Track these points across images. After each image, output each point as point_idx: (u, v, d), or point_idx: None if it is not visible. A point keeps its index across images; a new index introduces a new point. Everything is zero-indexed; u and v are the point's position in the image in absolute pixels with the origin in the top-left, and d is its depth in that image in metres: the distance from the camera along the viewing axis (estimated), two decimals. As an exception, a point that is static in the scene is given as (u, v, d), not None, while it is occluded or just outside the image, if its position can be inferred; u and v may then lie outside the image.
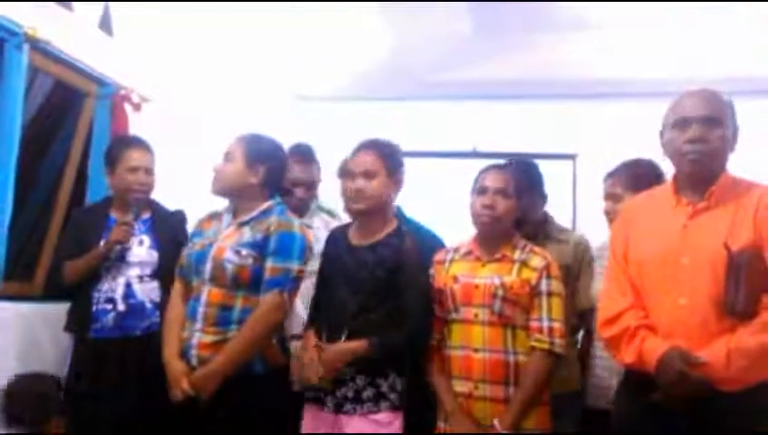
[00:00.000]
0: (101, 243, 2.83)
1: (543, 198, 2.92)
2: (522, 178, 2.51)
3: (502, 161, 2.78)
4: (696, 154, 2.06)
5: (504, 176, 2.43)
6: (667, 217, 2.13)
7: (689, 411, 1.94)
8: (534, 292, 2.32)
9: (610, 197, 2.76)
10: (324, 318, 2.44)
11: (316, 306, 2.55)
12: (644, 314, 2.09)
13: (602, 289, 2.28)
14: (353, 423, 2.32)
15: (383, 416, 2.31)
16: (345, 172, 2.51)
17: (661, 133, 2.20)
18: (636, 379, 2.10)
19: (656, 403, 1.99)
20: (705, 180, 2.08)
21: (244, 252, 2.43)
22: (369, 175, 2.42)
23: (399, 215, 2.84)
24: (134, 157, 2.94)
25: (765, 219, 1.99)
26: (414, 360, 2.40)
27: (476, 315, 2.33)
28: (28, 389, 2.99)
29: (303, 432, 2.43)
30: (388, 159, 2.46)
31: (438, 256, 2.50)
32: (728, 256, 1.95)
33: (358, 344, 2.31)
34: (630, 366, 2.10)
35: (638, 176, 2.67)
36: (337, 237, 2.57)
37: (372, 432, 2.29)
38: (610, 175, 2.83)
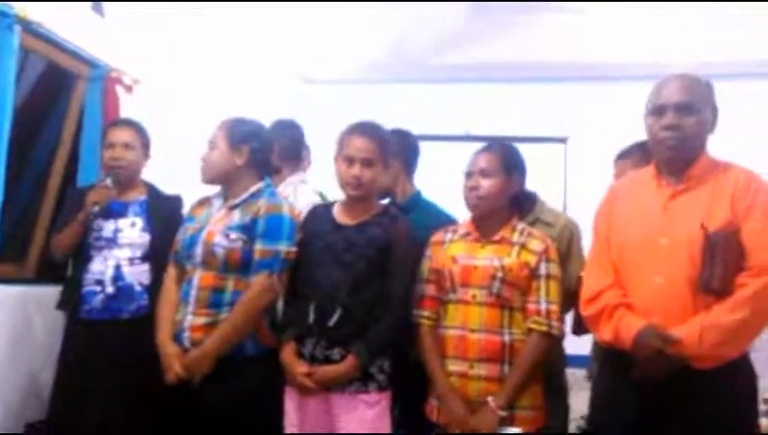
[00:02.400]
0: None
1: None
2: (510, 155, 2.50)
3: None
4: (672, 141, 2.11)
5: (486, 156, 2.44)
6: (649, 198, 2.17)
7: (666, 388, 1.99)
8: (533, 274, 2.34)
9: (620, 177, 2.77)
10: (309, 298, 2.41)
11: (291, 294, 2.51)
12: (623, 293, 2.13)
13: (585, 269, 2.33)
14: (342, 402, 2.34)
15: (371, 396, 2.34)
16: (342, 156, 2.48)
17: (645, 118, 2.23)
18: (616, 356, 2.13)
19: (634, 380, 2.03)
20: (683, 164, 2.13)
21: (233, 235, 2.44)
22: (367, 163, 2.41)
23: (418, 199, 2.88)
24: (112, 134, 2.97)
25: (741, 200, 2.04)
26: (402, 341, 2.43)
27: (474, 296, 2.35)
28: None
29: (289, 408, 2.43)
30: (384, 146, 2.46)
31: (436, 237, 2.51)
32: (704, 237, 1.99)
33: (348, 365, 2.31)
34: (608, 344, 2.15)
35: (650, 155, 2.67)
36: (320, 216, 2.54)
37: (360, 411, 2.32)
38: (622, 156, 2.85)
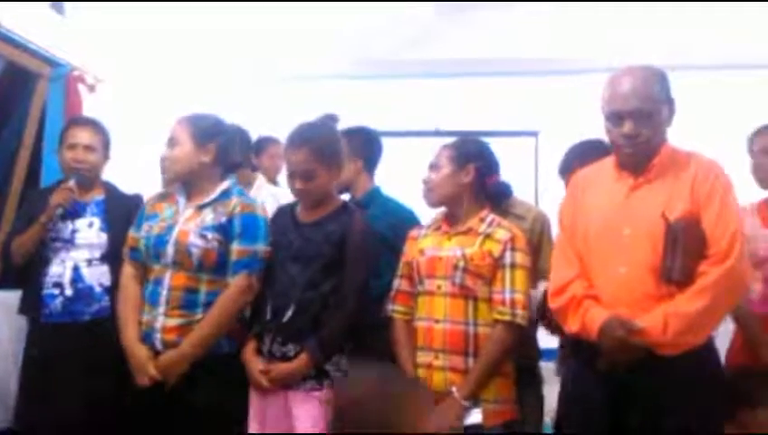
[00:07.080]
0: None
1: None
2: (464, 147, 2.51)
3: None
4: (631, 148, 2.10)
5: (439, 150, 2.50)
6: (611, 189, 2.17)
7: (632, 377, 2.00)
8: (498, 264, 2.34)
9: None
10: (268, 295, 2.42)
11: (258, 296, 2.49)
12: (589, 285, 2.14)
13: (552, 261, 2.32)
14: (298, 398, 2.33)
15: (324, 393, 2.32)
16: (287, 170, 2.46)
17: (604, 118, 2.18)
18: (584, 346, 2.14)
19: (600, 369, 2.04)
20: (644, 157, 2.12)
21: (209, 235, 2.41)
22: (306, 175, 2.38)
23: (377, 194, 2.88)
24: (73, 134, 2.90)
25: (701, 188, 2.04)
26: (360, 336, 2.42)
27: (439, 287, 2.36)
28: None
29: (252, 406, 2.42)
30: (322, 150, 2.39)
31: (413, 232, 2.54)
32: (665, 226, 2.00)
33: (301, 363, 2.31)
34: (575, 335, 2.16)
35: None
36: (284, 215, 2.55)
37: (314, 408, 2.30)
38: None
